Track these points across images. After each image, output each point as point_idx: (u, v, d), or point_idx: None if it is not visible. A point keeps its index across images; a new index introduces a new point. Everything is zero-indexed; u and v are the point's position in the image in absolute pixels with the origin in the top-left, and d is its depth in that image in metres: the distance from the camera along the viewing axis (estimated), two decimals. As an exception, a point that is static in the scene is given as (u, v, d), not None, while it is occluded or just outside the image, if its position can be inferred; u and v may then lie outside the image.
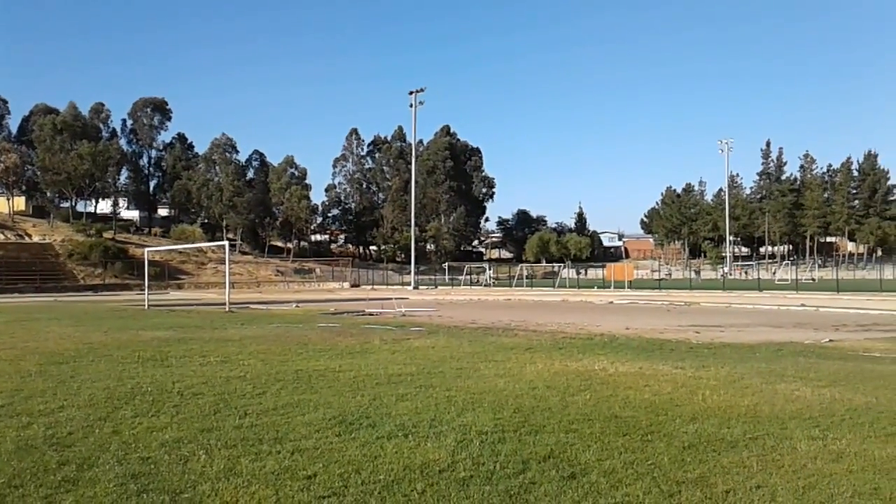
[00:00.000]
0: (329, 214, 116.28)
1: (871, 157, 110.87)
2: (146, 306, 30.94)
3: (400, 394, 8.32)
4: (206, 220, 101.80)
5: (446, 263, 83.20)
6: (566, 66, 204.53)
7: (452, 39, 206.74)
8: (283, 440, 6.11)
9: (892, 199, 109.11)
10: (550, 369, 10.48)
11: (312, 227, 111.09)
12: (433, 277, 76.77)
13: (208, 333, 17.07)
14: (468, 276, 73.06)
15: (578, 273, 74.92)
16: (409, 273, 69.40)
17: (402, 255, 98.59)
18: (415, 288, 62.22)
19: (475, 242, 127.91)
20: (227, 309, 28.48)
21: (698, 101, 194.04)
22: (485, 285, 68.55)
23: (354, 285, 72.00)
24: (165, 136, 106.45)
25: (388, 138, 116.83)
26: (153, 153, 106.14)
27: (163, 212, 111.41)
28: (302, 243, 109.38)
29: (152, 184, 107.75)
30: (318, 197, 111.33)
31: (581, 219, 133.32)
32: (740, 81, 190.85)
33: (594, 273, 79.92)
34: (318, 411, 7.31)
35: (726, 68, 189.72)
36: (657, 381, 9.26)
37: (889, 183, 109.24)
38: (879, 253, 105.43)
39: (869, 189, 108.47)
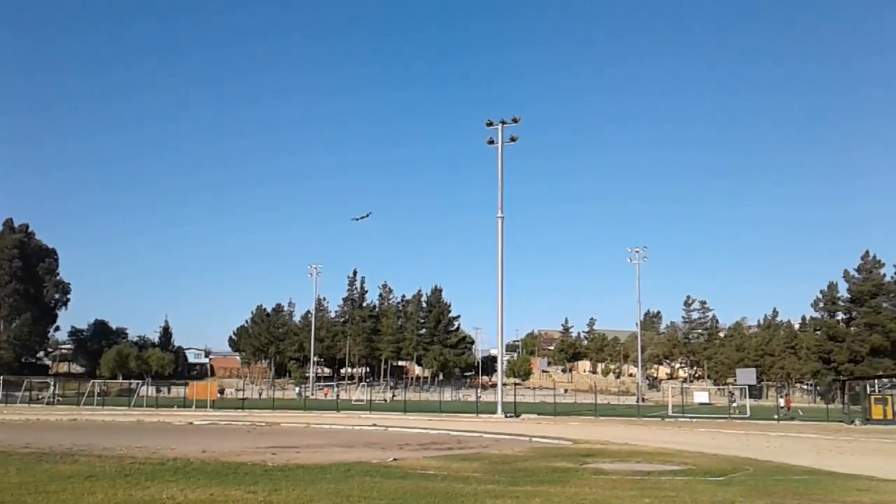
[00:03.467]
0: None
1: (437, 292, 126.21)
2: None
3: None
4: None
5: (2, 377, 72.12)
6: (138, 175, 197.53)
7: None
8: None
9: (451, 329, 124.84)
10: (112, 500, 9.62)
11: None
12: (-18, 394, 65.71)
13: None
14: (27, 393, 64.20)
15: (159, 391, 70.99)
16: (-53, 388, 58.36)
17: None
18: (-46, 406, 52.42)
19: (41, 354, 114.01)
20: None
21: (292, 226, 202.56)
22: (48, 403, 60.76)
23: None
24: None
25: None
26: None
27: None
28: None
29: None
30: None
31: (167, 333, 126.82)
32: (330, 212, 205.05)
33: (177, 391, 76.44)
34: None
35: (318, 199, 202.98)
36: (227, 508, 9.07)
37: (450, 315, 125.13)
38: (441, 377, 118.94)
39: (434, 319, 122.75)
